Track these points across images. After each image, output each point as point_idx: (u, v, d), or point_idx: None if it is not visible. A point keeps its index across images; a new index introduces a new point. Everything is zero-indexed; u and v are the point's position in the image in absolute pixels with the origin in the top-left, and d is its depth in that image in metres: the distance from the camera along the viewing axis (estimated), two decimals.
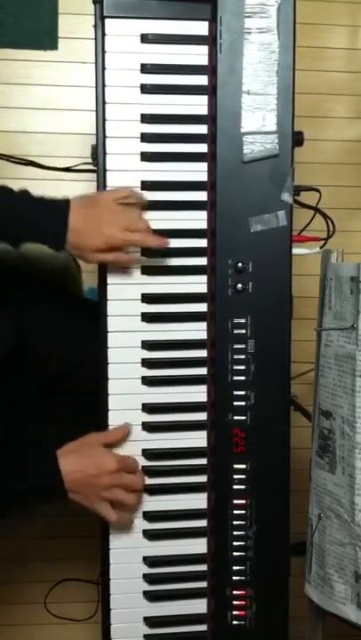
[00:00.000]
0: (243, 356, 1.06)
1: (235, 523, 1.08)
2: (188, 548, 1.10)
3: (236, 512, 1.08)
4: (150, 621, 1.10)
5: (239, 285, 1.05)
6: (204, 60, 1.05)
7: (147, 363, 1.07)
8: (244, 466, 1.07)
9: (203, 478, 1.09)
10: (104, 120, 1.04)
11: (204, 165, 1.06)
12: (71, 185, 1.89)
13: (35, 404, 1.20)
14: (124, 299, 1.06)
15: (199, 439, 1.09)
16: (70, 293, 1.33)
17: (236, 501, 1.08)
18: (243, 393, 1.07)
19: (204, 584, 1.10)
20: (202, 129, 1.06)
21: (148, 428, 1.07)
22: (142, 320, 1.06)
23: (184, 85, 1.05)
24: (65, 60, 1.90)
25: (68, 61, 1.90)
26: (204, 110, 1.06)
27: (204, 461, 1.09)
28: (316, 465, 1.12)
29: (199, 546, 1.10)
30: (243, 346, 1.06)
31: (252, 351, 1.06)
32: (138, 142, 1.05)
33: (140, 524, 1.09)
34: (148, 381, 1.07)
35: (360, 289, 1.03)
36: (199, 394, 1.08)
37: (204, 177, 1.06)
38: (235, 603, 1.09)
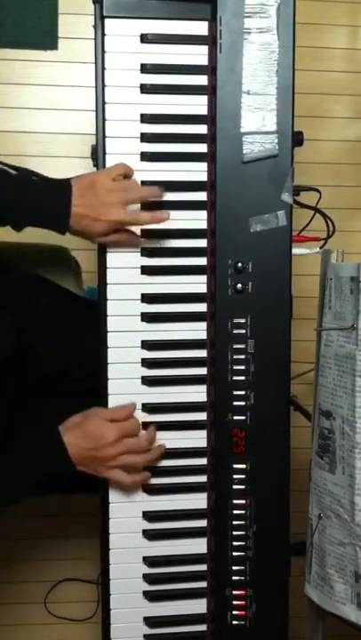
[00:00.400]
0: (243, 356, 1.06)
1: (235, 523, 1.08)
2: (188, 548, 1.10)
3: (236, 512, 1.08)
4: (150, 621, 1.10)
5: (239, 285, 1.05)
6: (203, 60, 1.05)
7: (147, 363, 1.07)
8: (244, 466, 1.07)
9: (203, 478, 1.09)
10: (104, 120, 1.04)
11: (203, 165, 1.06)
12: None
13: (35, 404, 1.20)
14: (124, 299, 1.06)
15: (199, 439, 1.09)
16: (70, 293, 1.33)
17: (235, 501, 1.08)
18: (243, 393, 1.07)
19: (203, 584, 1.10)
20: (202, 129, 1.06)
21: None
22: (142, 320, 1.06)
23: (184, 85, 1.05)
24: (65, 60, 1.90)
25: (68, 61, 1.90)
26: (203, 110, 1.06)
27: (204, 461, 1.09)
28: (316, 465, 1.12)
29: (199, 546, 1.10)
30: (243, 346, 1.06)
31: (252, 351, 1.06)
32: (138, 142, 1.05)
33: (140, 524, 1.09)
34: (147, 381, 1.07)
35: (360, 289, 1.03)
36: (199, 394, 1.08)
37: (204, 177, 1.06)
38: (235, 603, 1.09)
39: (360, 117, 2.01)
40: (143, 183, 1.05)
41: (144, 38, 1.04)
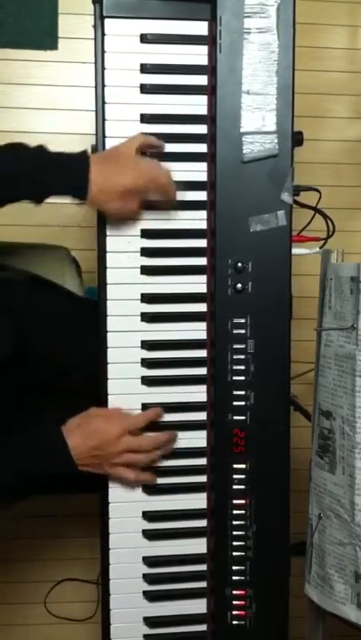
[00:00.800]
0: (243, 356, 1.06)
1: (235, 523, 1.08)
2: (187, 547, 1.10)
3: (235, 512, 1.08)
4: (150, 621, 1.10)
5: (239, 285, 1.05)
6: (203, 60, 1.05)
7: (147, 363, 1.07)
8: (243, 466, 1.07)
9: (203, 478, 1.09)
10: (104, 120, 1.04)
11: (203, 165, 1.06)
12: None
13: (35, 404, 1.20)
14: (124, 299, 1.06)
15: (199, 439, 1.09)
16: (70, 293, 1.33)
17: (235, 501, 1.08)
18: (243, 393, 1.07)
19: (203, 584, 1.10)
20: (202, 129, 1.06)
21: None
22: (142, 320, 1.06)
23: (184, 85, 1.05)
24: (65, 60, 1.90)
25: (68, 61, 1.90)
26: (203, 110, 1.06)
27: (204, 461, 1.09)
28: (316, 465, 1.12)
29: (199, 546, 1.10)
30: (243, 346, 1.06)
31: (252, 351, 1.06)
32: None
33: (140, 523, 1.09)
34: (147, 381, 1.07)
35: (360, 289, 1.03)
36: (199, 394, 1.08)
37: (204, 177, 1.06)
38: (235, 603, 1.09)
39: (360, 117, 2.01)
40: None
41: (144, 38, 1.04)
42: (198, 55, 1.05)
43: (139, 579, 1.09)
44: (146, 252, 1.06)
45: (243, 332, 1.06)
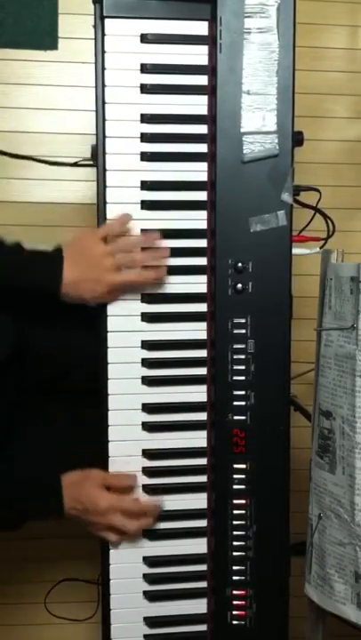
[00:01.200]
0: (243, 356, 1.06)
1: (235, 523, 1.08)
2: (188, 547, 1.10)
3: (236, 512, 1.08)
4: (150, 621, 1.10)
5: (239, 285, 1.05)
6: (204, 60, 1.05)
7: (147, 363, 1.07)
8: (244, 466, 1.07)
9: (203, 478, 1.09)
10: (104, 120, 1.04)
11: (204, 165, 1.06)
12: (72, 185, 1.89)
13: (35, 404, 1.20)
14: (124, 298, 1.06)
15: (199, 439, 1.09)
16: None
17: (236, 501, 1.08)
18: (243, 393, 1.07)
19: (204, 584, 1.10)
20: (202, 129, 1.06)
21: (148, 427, 1.07)
22: (142, 320, 1.06)
23: (184, 85, 1.05)
24: (65, 60, 1.90)
25: (68, 61, 1.90)
26: (204, 110, 1.06)
27: (204, 461, 1.09)
28: (316, 465, 1.12)
29: (199, 546, 1.10)
30: (243, 346, 1.06)
31: (252, 351, 1.06)
32: (138, 142, 1.05)
33: None
34: (148, 381, 1.07)
35: (360, 289, 1.03)
36: (199, 394, 1.08)
37: (204, 177, 1.06)
38: (235, 603, 1.09)
39: (360, 117, 2.01)
40: (143, 183, 1.05)
41: (144, 38, 1.04)
42: (198, 55, 1.05)
43: (139, 579, 1.09)
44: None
45: (243, 331, 1.06)
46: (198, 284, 1.07)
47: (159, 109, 1.05)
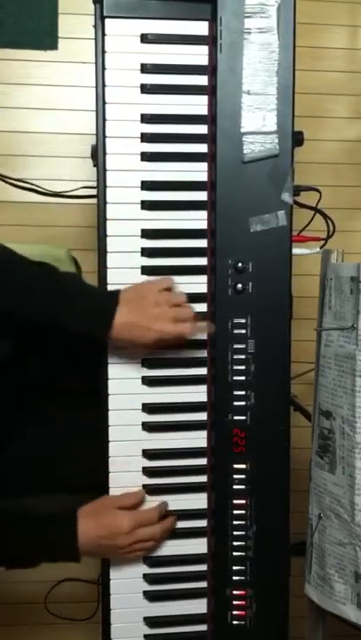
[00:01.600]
0: (243, 356, 1.06)
1: (235, 523, 1.08)
2: (188, 548, 1.10)
3: (236, 512, 1.08)
4: (150, 621, 1.10)
5: (239, 285, 1.05)
6: (204, 60, 1.05)
7: (147, 362, 1.07)
8: (244, 466, 1.07)
9: (203, 478, 1.09)
10: (104, 120, 1.04)
11: (204, 165, 1.06)
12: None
13: (35, 404, 1.20)
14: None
15: (199, 439, 1.09)
16: None
17: (236, 501, 1.08)
18: (243, 393, 1.06)
19: (204, 584, 1.10)
20: (202, 129, 1.06)
21: (148, 428, 1.07)
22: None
23: (184, 85, 1.05)
24: (65, 60, 1.90)
25: (68, 61, 1.90)
26: (204, 110, 1.06)
27: (204, 461, 1.09)
28: (316, 465, 1.12)
29: (199, 546, 1.10)
30: (243, 346, 1.06)
31: (252, 351, 1.06)
32: (138, 142, 1.05)
33: None
34: (148, 381, 1.07)
35: (360, 289, 1.03)
36: (199, 394, 1.08)
37: (204, 177, 1.06)
38: (235, 603, 1.09)
39: (360, 117, 2.01)
40: (143, 183, 1.05)
41: (144, 38, 1.03)
42: (199, 55, 1.05)
43: (139, 579, 1.09)
44: (146, 252, 1.06)
45: (243, 331, 1.06)
46: (198, 283, 1.07)
47: (159, 109, 1.05)
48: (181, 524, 1.09)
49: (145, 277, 1.06)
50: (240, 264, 1.05)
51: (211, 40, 1.04)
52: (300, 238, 1.22)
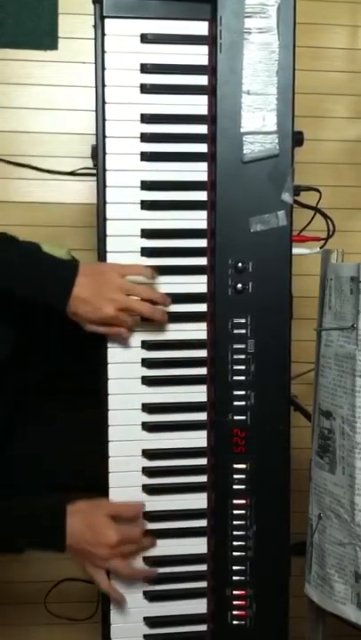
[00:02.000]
0: (243, 356, 1.06)
1: (235, 523, 1.08)
2: (188, 548, 1.10)
3: (236, 512, 1.08)
4: (150, 621, 1.10)
5: (239, 285, 1.05)
6: (204, 60, 1.05)
7: (147, 362, 1.07)
8: (244, 466, 1.07)
9: (203, 478, 1.09)
10: (104, 120, 1.04)
11: (204, 165, 1.06)
12: (72, 185, 1.89)
13: (35, 404, 1.20)
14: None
15: (199, 439, 1.09)
16: None
17: (236, 501, 1.08)
18: (243, 393, 1.06)
19: (204, 584, 1.10)
20: (202, 129, 1.06)
21: (148, 428, 1.07)
22: (142, 320, 1.06)
23: (184, 85, 1.05)
24: (65, 60, 1.90)
25: (68, 61, 1.90)
26: (204, 110, 1.06)
27: (204, 461, 1.09)
28: (316, 465, 1.12)
29: (199, 546, 1.10)
30: (243, 346, 1.06)
31: (252, 351, 1.06)
32: (138, 142, 1.05)
33: None
34: (148, 381, 1.07)
35: (360, 289, 1.03)
36: (199, 394, 1.08)
37: (204, 177, 1.06)
38: (235, 603, 1.09)
39: (360, 117, 2.01)
40: (143, 183, 1.05)
41: (144, 38, 1.03)
42: (198, 55, 1.05)
43: (139, 578, 1.09)
44: (146, 251, 1.06)
45: (243, 331, 1.06)
46: (198, 283, 1.07)
47: (159, 109, 1.05)
48: (181, 524, 1.09)
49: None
50: (240, 264, 1.05)
51: (211, 40, 1.04)
52: (300, 238, 1.22)
